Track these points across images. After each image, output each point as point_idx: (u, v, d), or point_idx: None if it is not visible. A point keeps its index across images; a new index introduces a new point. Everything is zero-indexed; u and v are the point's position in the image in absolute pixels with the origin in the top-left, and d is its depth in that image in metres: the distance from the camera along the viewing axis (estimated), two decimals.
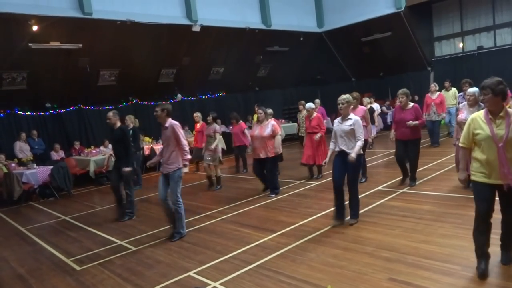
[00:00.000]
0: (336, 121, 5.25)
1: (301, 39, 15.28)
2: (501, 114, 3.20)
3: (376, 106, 12.48)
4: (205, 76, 14.31)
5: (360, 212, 5.39)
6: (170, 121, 5.37)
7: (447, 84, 10.94)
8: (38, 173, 9.15)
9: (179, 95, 13.99)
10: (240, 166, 10.12)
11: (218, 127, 8.45)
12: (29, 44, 9.51)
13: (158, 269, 4.47)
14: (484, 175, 3.29)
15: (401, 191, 6.51)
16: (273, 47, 14.98)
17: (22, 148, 10.28)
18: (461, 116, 5.52)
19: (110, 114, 6.58)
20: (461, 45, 14.86)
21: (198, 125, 9.82)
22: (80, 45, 10.27)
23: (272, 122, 7.23)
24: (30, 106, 10.95)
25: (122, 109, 12.60)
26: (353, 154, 4.89)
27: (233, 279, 3.95)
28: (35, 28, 9.33)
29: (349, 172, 5.10)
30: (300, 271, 3.99)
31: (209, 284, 3.88)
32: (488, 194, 3.30)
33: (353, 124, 5.03)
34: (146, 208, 7.42)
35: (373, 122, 9.60)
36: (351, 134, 5.03)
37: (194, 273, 4.23)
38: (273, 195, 7.11)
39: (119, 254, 5.07)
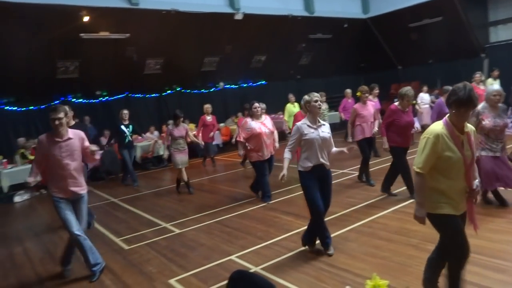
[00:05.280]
0: (304, 125, 4.03)
1: (345, 26, 14.89)
2: (466, 130, 2.66)
3: (424, 96, 11.73)
4: (247, 64, 14.35)
5: (405, 204, 5.25)
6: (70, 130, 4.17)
7: (495, 73, 10.00)
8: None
9: (221, 84, 14.15)
10: None
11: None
12: (81, 34, 9.95)
13: (201, 251, 4.62)
14: (453, 206, 2.70)
15: None
16: (315, 35, 14.73)
17: None
18: (489, 122, 4.64)
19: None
20: None
21: (209, 118, 9.67)
22: (128, 35, 10.62)
23: (268, 116, 6.66)
24: (82, 94, 11.52)
25: (167, 97, 13.00)
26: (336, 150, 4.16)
27: (273, 265, 4.00)
28: (86, 19, 9.73)
29: (330, 189, 4.15)
30: (341, 260, 3.97)
31: (250, 269, 3.96)
32: (461, 226, 2.77)
33: (330, 130, 4.15)
34: (188, 193, 7.63)
35: (415, 114, 8.97)
36: (329, 143, 4.10)
37: (236, 257, 4.33)
38: (268, 201, 6.32)
39: (164, 236, 5.28)
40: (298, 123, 4.09)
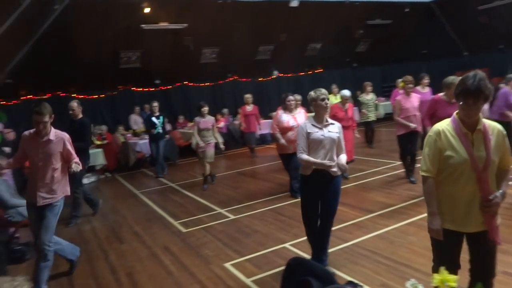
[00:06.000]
0: (308, 124, 3.62)
1: (407, 10, 14.13)
2: (479, 127, 2.24)
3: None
4: (302, 52, 14.15)
5: None
6: (55, 131, 3.82)
7: None
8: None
9: (276, 72, 14.10)
10: None
11: None
12: (142, 25, 10.36)
13: (256, 238, 4.68)
14: (454, 220, 2.30)
15: None
16: (374, 20, 14.13)
17: (136, 121, 11.41)
18: None
19: (75, 104, 5.90)
20: None
21: (249, 108, 9.61)
22: (185, 25, 10.88)
23: (302, 110, 6.33)
24: (142, 83, 12.04)
25: (222, 86, 13.22)
26: (343, 161, 3.57)
27: (328, 255, 3.96)
28: (147, 10, 10.10)
29: (332, 200, 3.64)
30: (399, 253, 3.84)
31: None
32: (456, 245, 2.38)
33: (339, 131, 3.63)
34: (243, 181, 7.76)
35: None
36: (338, 145, 3.62)
37: (290, 245, 4.35)
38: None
39: (220, 221, 5.41)
40: (303, 123, 3.74)
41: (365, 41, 15.13)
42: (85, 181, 9.18)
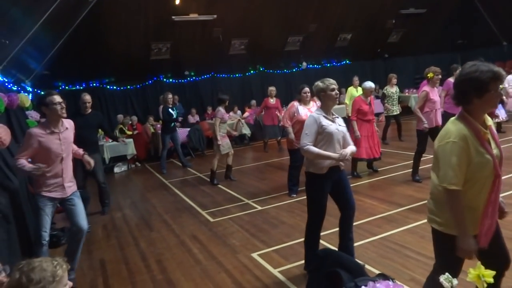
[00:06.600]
0: (321, 116, 3.32)
1: None
2: (489, 123, 2.11)
3: None
4: (332, 43, 13.91)
5: (508, 193, 4.74)
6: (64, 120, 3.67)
7: None
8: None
9: (304, 63, 13.94)
10: None
11: None
12: (173, 17, 10.47)
13: (282, 229, 4.69)
14: (475, 225, 2.10)
15: None
16: (407, 9, 13.68)
17: None
18: None
19: (89, 97, 5.75)
20: None
21: (272, 100, 9.53)
22: (215, 16, 10.91)
23: (315, 103, 5.91)
24: (172, 74, 12.21)
25: (250, 77, 13.22)
26: (348, 150, 3.31)
27: (356, 248, 3.89)
28: (177, 1, 10.20)
29: (351, 194, 3.47)
30: (430, 248, 3.69)
31: None
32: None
33: (344, 125, 3.49)
34: (271, 172, 7.76)
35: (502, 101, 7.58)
36: (348, 140, 3.46)
37: None
38: (293, 195, 5.96)
39: (247, 212, 5.45)
40: (314, 114, 3.38)
41: (398, 31, 14.69)
42: (116, 169, 9.49)
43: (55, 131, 3.53)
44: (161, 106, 11.55)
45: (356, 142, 5.98)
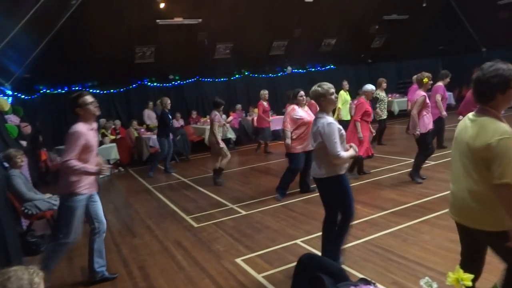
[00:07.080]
0: (332, 119, 3.45)
1: (424, 5, 13.86)
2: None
3: None
4: (316, 48, 14.03)
5: None
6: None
7: None
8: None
9: (289, 68, 14.03)
10: None
11: None
12: (157, 20, 10.41)
13: (267, 233, 4.68)
14: None
15: None
16: (390, 16, 13.92)
17: (150, 116, 11.50)
18: None
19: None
20: None
21: (265, 103, 9.76)
22: (200, 20, 10.88)
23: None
24: (156, 78, 12.11)
25: (235, 81, 13.21)
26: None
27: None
28: (162, 5, 10.14)
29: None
30: (412, 251, 3.79)
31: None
32: None
33: None
34: (255, 176, 7.75)
35: None
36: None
37: (301, 241, 4.33)
38: (280, 199, 5.99)
39: (231, 217, 5.43)
40: (331, 120, 3.41)
41: (381, 36, 14.92)
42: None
43: (92, 127, 3.69)
44: (145, 110, 11.50)
45: (360, 142, 6.29)
